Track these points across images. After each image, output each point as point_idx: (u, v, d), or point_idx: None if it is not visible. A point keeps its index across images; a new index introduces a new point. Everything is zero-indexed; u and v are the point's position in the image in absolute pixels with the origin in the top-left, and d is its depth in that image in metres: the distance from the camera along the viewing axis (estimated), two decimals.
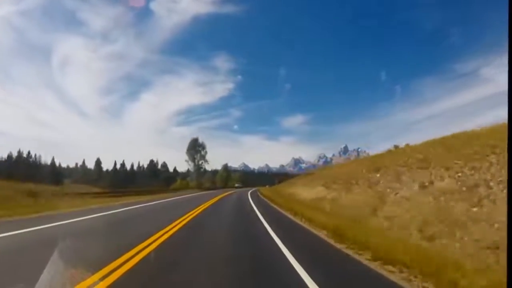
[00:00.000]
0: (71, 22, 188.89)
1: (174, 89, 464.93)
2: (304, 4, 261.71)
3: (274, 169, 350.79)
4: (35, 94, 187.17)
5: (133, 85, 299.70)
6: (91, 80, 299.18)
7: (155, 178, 72.50)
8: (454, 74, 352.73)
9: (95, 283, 3.13)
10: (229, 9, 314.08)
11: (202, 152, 67.57)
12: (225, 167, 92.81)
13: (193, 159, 66.25)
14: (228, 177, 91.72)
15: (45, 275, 2.53)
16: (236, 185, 72.77)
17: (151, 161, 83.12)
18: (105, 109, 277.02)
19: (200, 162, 67.17)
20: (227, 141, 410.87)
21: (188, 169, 68.75)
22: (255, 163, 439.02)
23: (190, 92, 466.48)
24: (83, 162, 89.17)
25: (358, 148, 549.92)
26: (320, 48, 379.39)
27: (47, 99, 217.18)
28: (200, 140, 67.73)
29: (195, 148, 66.61)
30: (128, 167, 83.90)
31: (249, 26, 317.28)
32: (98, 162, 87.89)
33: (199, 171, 67.98)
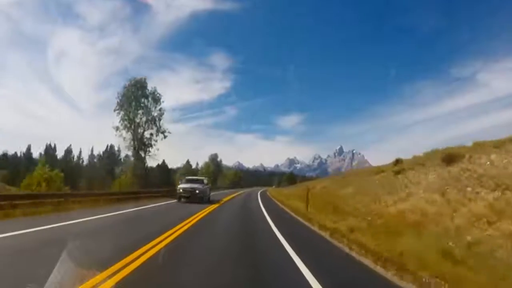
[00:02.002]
0: (68, 15, 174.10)
1: (170, 85, 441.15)
2: (303, 4, 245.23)
3: (269, 169, 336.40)
4: (28, 86, 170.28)
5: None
6: (87, 74, 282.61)
7: (111, 172, 50.84)
8: (450, 78, 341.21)
9: None
10: (227, 6, 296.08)
11: (153, 110, 28.72)
12: (214, 159, 67.95)
13: (130, 122, 27.73)
14: (218, 173, 68.69)
15: None
16: (181, 186, 15.85)
17: (110, 147, 58.84)
18: (100, 104, 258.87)
19: (148, 134, 28.64)
20: (222, 139, 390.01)
21: (131, 155, 30.57)
22: (250, 162, 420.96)
23: (186, 89, 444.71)
24: (28, 150, 68.27)
25: (353, 150, 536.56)
26: (318, 49, 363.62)
27: (41, 92, 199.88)
28: (148, 86, 28.62)
29: (137, 100, 27.81)
30: (76, 154, 62.81)
31: (247, 24, 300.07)
32: (48, 150, 67.12)
33: (145, 152, 28.84)
